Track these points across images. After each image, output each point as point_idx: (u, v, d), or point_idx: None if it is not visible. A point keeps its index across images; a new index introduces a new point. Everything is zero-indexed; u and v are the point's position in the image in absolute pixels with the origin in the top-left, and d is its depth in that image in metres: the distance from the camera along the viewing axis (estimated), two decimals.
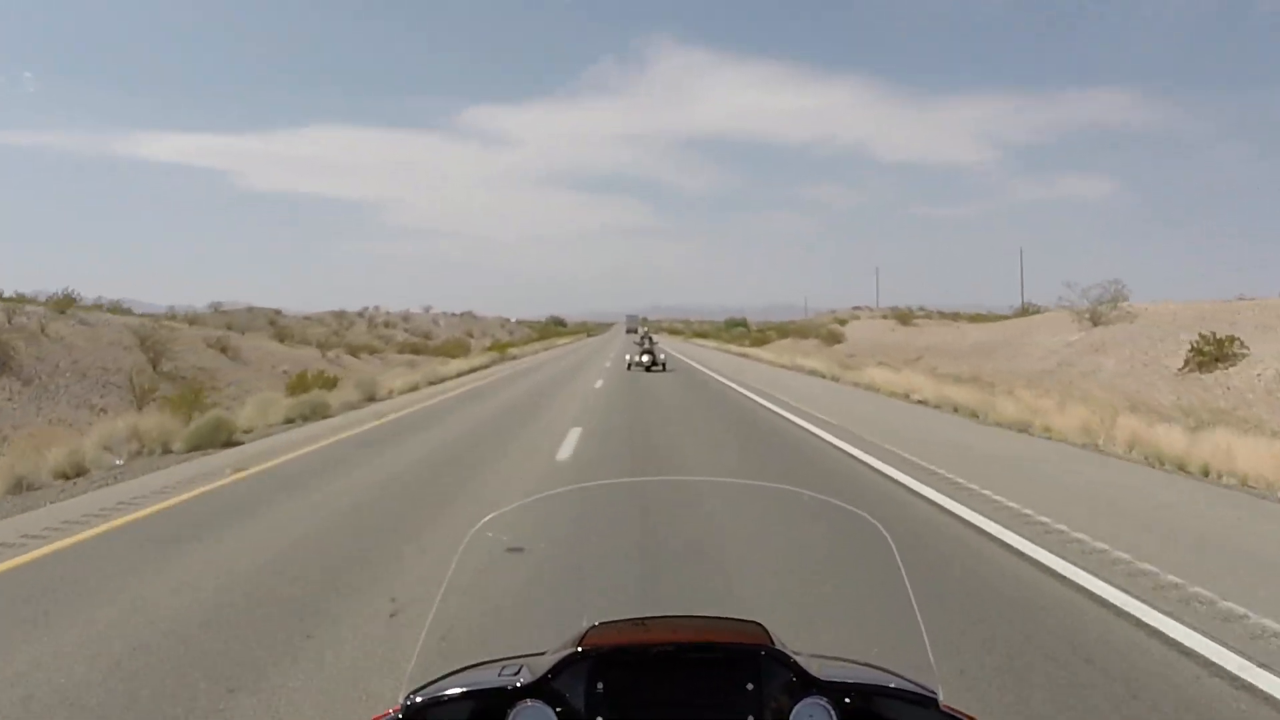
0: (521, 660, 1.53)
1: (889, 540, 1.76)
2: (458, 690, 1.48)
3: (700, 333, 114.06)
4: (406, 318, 73.49)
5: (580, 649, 1.45)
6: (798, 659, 1.46)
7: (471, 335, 70.37)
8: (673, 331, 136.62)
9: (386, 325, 66.95)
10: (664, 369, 32.64)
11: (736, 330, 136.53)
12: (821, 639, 2.71)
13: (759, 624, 1.53)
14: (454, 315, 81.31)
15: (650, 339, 37.08)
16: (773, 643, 1.48)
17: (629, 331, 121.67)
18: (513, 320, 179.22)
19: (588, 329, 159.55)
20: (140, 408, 18.74)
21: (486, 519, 1.97)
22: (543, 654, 1.53)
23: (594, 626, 1.53)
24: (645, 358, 32.37)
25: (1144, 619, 4.52)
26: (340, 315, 68.17)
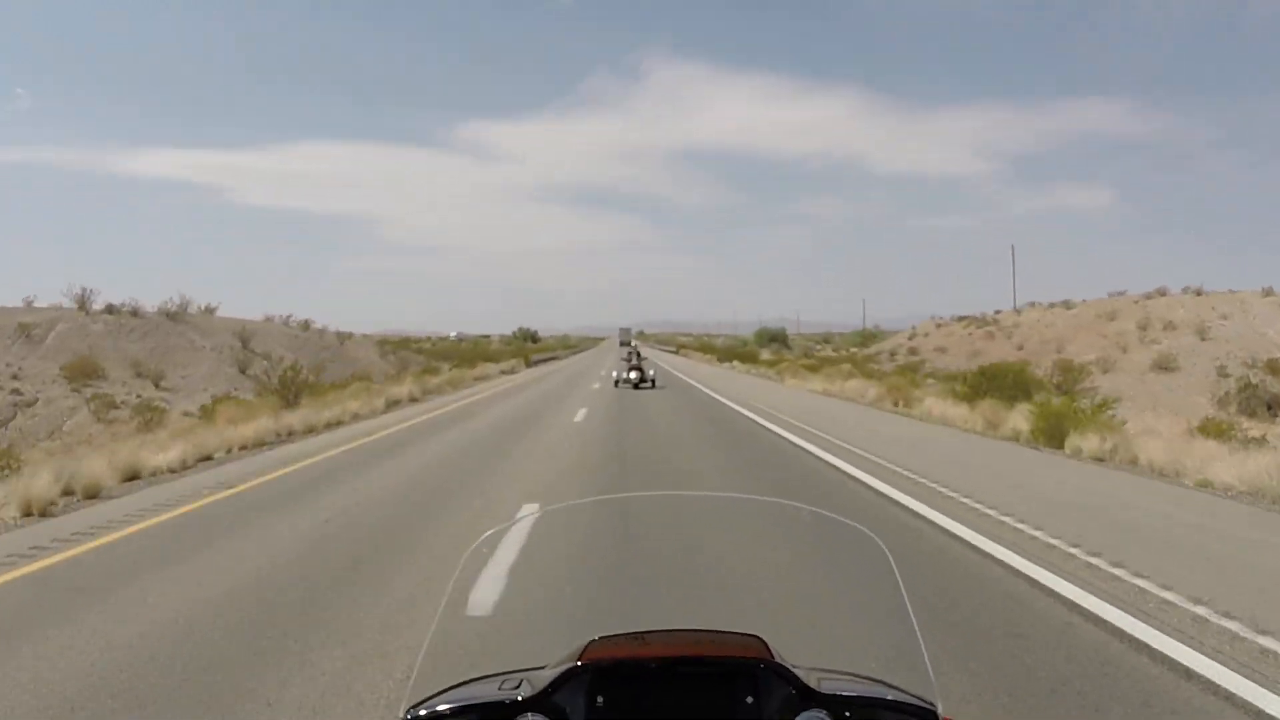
0: (522, 674, 1.52)
1: (887, 554, 1.76)
2: (458, 705, 1.48)
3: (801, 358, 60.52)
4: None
5: (580, 663, 1.44)
6: (797, 672, 1.45)
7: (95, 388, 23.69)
8: (705, 350, 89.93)
9: None
10: (654, 385, 29.45)
11: (772, 347, 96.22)
12: (821, 652, 2.23)
13: (758, 637, 1.52)
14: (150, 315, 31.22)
15: (638, 354, 34.51)
16: (772, 656, 1.47)
17: (622, 344, 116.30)
18: (453, 335, 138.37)
19: (559, 346, 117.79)
20: None
21: (485, 535, 1.98)
22: (543, 668, 1.52)
23: (594, 640, 1.52)
24: (634, 374, 29.25)
25: None
26: None
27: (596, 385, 30.96)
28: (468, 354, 60.62)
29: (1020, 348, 40.05)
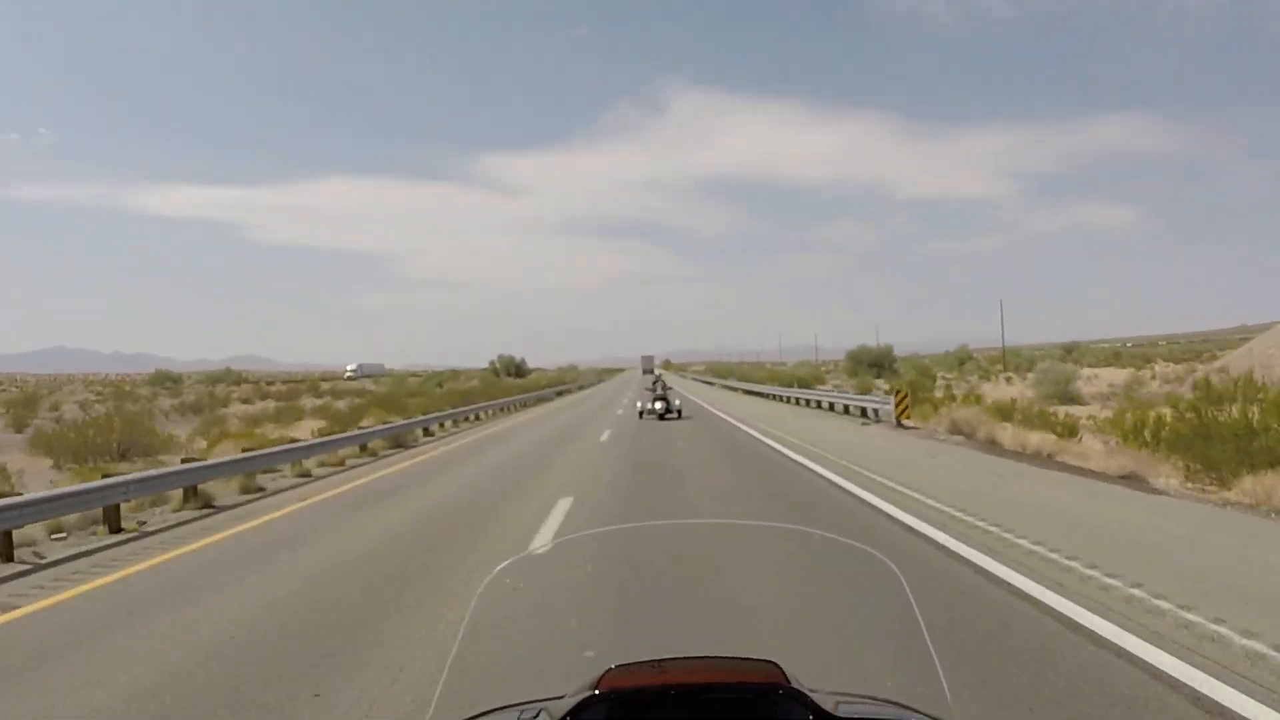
0: (540, 704, 1.53)
1: (900, 577, 1.77)
2: None
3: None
4: None
5: (598, 691, 1.44)
6: (814, 696, 1.43)
7: None
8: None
9: None
10: (679, 416, 27.89)
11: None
12: (838, 676, 2.24)
13: (774, 663, 1.51)
14: None
15: (664, 384, 31.36)
16: (789, 681, 1.46)
17: (645, 373, 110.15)
18: (350, 369, 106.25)
19: (548, 382, 78.40)
20: None
21: (502, 565, 2.04)
22: (561, 698, 1.50)
23: (611, 669, 1.51)
24: (659, 405, 27.73)
25: None
26: None
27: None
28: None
29: None
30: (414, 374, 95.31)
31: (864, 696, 1.60)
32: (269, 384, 78.17)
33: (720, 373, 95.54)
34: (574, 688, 1.49)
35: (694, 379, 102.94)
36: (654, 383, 32.46)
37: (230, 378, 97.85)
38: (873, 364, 67.80)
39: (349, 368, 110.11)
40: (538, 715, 1.47)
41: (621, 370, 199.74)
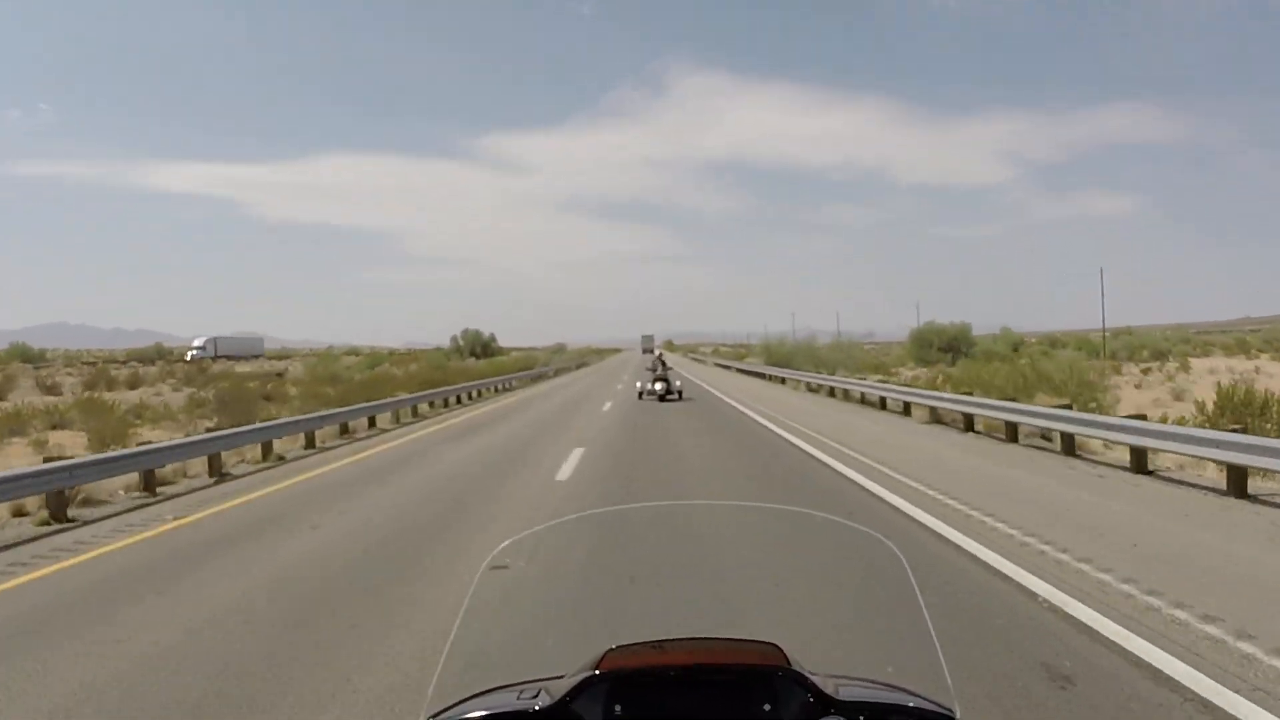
0: (540, 684, 1.52)
1: (902, 560, 1.76)
2: (477, 714, 1.47)
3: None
4: None
5: (598, 671, 1.44)
6: (814, 679, 1.44)
7: None
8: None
9: None
10: (680, 397, 26.78)
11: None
12: (838, 659, 2.31)
13: (775, 645, 1.51)
14: None
15: (664, 364, 29.88)
16: (789, 663, 1.46)
17: (645, 352, 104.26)
18: (197, 345, 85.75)
19: (515, 366, 58.57)
20: None
21: (503, 545, 2.00)
22: (561, 677, 1.51)
23: (611, 649, 1.51)
24: (659, 385, 26.94)
25: None
26: None
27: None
28: None
29: None
30: (353, 352, 78.04)
31: (865, 680, 1.58)
32: (151, 364, 61.38)
33: (780, 359, 50.56)
34: (575, 667, 1.47)
35: (720, 365, 68.72)
36: (654, 362, 31.81)
37: (161, 354, 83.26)
38: (945, 348, 50.59)
39: (195, 343, 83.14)
40: (538, 694, 1.46)
41: (618, 351, 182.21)
